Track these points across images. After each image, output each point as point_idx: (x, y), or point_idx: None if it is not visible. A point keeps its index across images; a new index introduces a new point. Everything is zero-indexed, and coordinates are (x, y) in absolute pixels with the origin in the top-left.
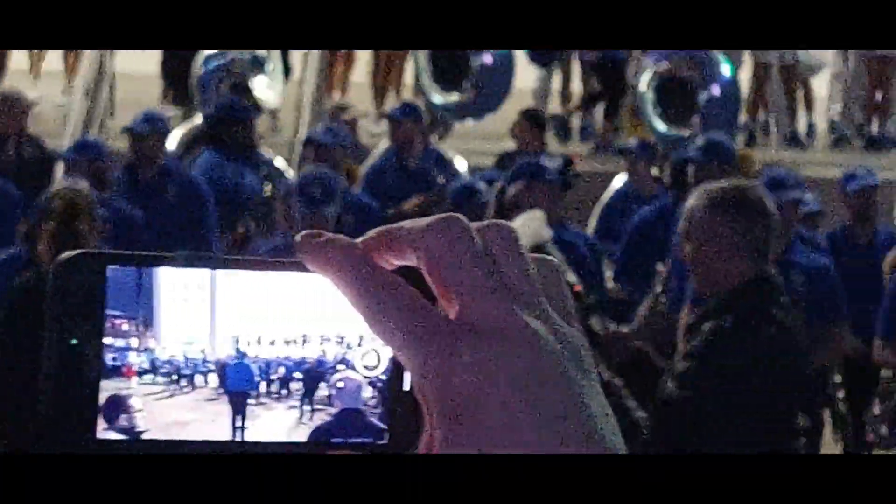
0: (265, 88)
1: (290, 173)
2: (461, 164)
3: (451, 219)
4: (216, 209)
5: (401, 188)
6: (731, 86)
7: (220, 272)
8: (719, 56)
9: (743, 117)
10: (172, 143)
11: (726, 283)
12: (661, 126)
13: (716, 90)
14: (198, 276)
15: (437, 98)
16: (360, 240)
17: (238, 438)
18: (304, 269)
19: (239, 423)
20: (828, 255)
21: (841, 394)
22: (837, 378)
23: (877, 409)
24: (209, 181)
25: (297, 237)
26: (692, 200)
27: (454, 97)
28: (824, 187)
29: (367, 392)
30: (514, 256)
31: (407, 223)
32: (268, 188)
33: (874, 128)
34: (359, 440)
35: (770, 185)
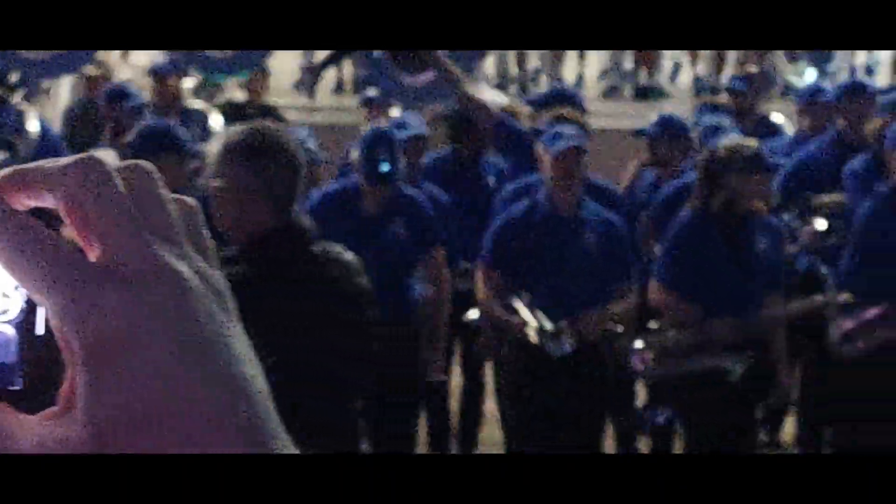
0: None
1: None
2: (217, 121)
3: (89, 159)
4: None
5: None
6: None
7: None
8: None
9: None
10: None
11: (244, 232)
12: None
13: None
14: None
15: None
16: None
17: None
18: None
19: None
20: (617, 212)
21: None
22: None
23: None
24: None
25: None
26: (213, 143)
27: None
28: (600, 137)
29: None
30: (155, 197)
31: (43, 163)
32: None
33: (643, 77)
34: None
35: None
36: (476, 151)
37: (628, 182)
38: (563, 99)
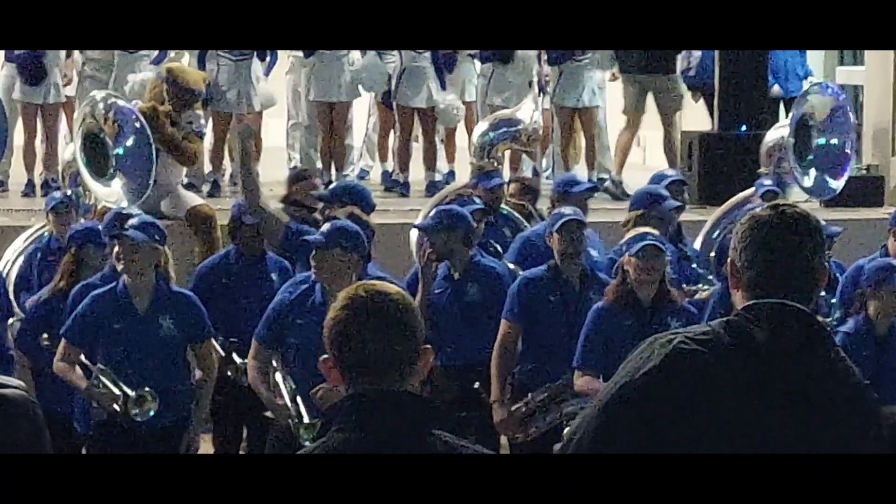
0: None
1: None
2: None
3: None
4: None
5: None
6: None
7: None
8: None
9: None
10: None
11: None
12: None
13: (129, 141)
14: None
15: None
16: None
17: None
18: None
19: None
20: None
21: None
22: None
23: None
24: None
25: None
26: None
27: None
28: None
29: None
30: None
31: None
32: None
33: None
34: None
35: None
36: (261, 251)
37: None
38: (351, 195)
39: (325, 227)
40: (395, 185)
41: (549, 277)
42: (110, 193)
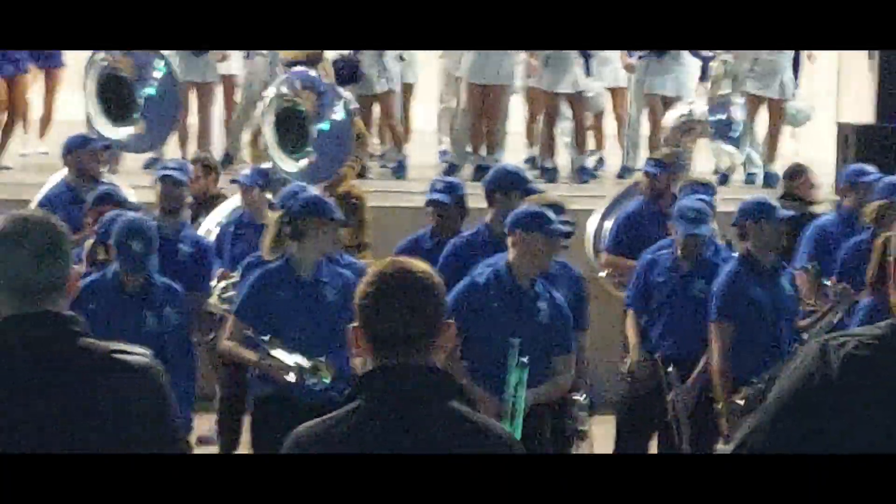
0: None
1: None
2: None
3: None
4: None
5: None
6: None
7: None
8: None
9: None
10: None
11: None
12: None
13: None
14: None
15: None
16: None
17: None
18: None
19: None
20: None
21: None
22: None
23: None
24: None
25: None
26: None
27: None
28: None
29: None
30: None
31: None
32: None
33: (483, 155)
34: None
35: None
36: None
37: None
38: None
39: (527, 207)
40: (543, 171)
41: (747, 269)
42: (299, 170)
